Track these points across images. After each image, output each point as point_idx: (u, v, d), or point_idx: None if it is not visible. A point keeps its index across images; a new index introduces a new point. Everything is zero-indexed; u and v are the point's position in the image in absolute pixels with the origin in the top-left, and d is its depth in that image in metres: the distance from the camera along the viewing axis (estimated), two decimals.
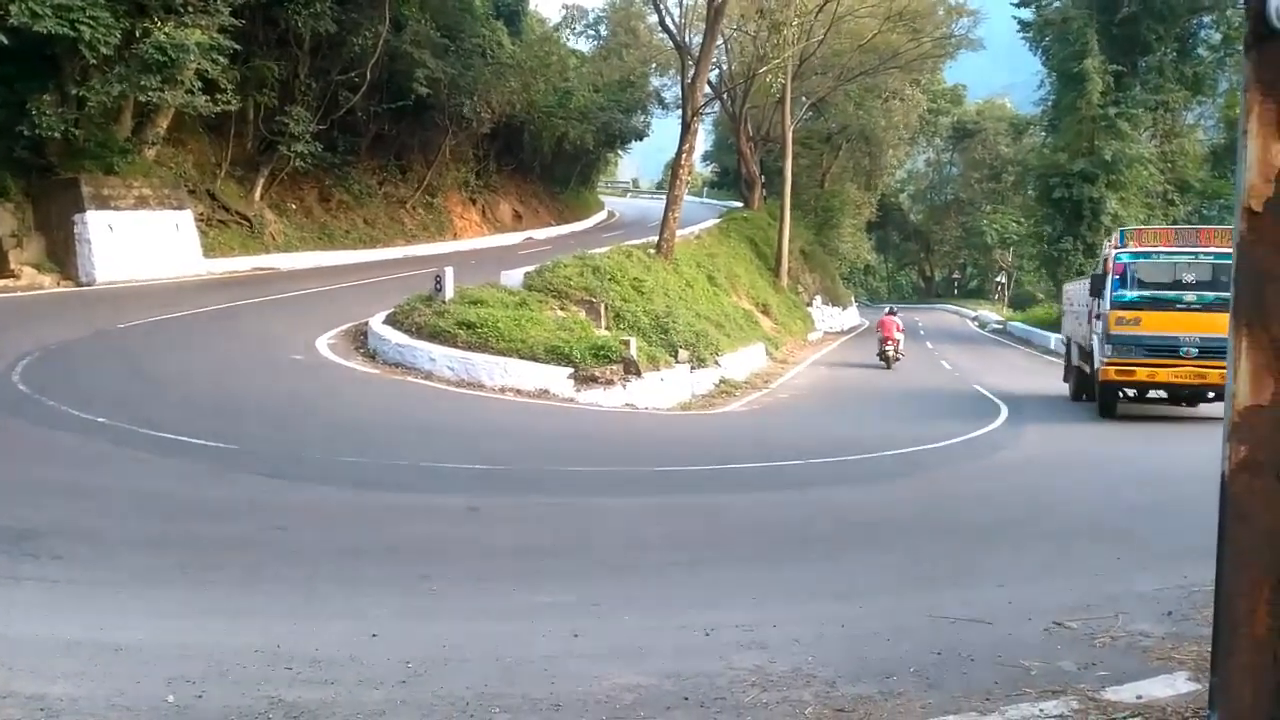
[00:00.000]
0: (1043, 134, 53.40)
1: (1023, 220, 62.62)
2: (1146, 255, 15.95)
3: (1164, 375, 15.33)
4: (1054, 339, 36.23)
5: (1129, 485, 10.42)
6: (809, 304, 45.12)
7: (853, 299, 60.10)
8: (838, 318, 49.68)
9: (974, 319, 61.16)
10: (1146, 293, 15.68)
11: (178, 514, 7.69)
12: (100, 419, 10.41)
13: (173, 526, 7.36)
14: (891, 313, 31.70)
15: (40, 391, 11.51)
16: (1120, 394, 16.57)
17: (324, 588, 5.99)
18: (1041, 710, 3.79)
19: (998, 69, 62.64)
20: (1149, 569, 6.69)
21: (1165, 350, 15.18)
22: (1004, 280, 78.01)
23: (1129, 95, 42.15)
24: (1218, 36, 43.20)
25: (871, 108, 52.28)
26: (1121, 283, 15.84)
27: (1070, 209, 41.47)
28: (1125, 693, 3.92)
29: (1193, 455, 12.52)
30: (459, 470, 9.82)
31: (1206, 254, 15.42)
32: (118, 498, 7.93)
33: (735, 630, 5.06)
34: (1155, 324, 15.28)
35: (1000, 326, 53.61)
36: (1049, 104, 48.34)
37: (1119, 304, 15.73)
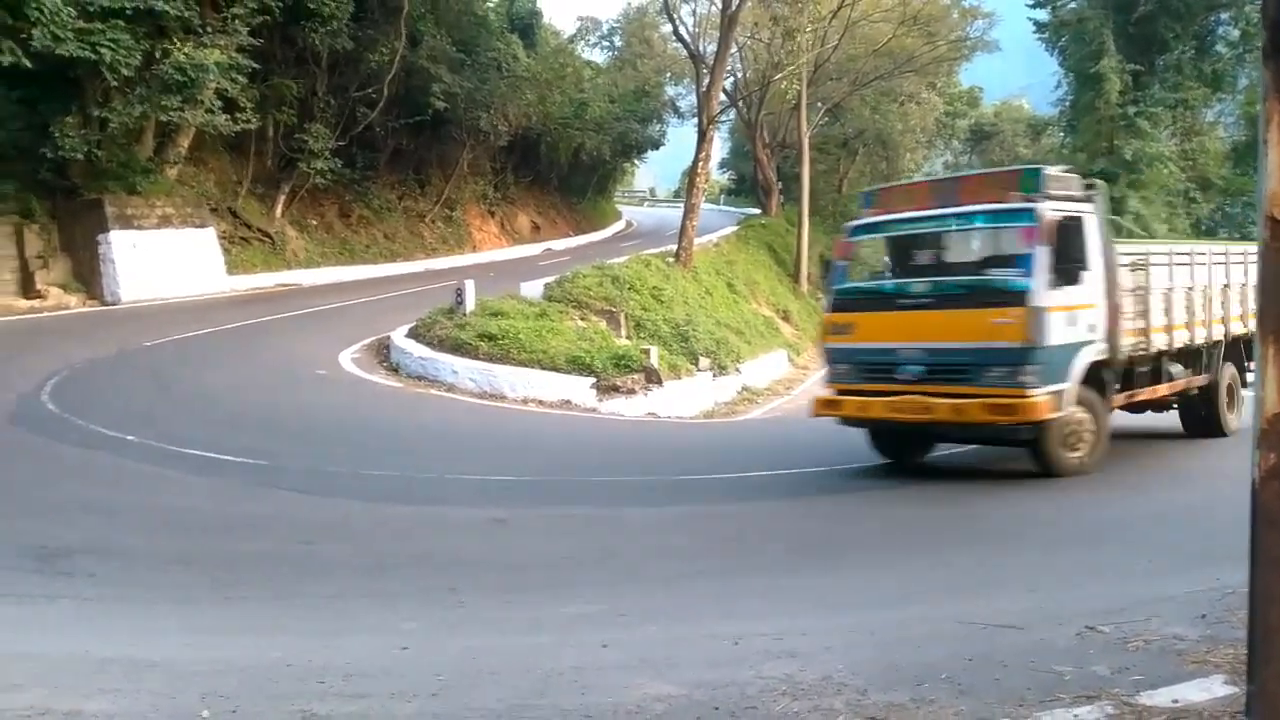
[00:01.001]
0: (1061, 134, 53.09)
1: None
2: (877, 227, 10.79)
3: (877, 408, 9.87)
4: None
5: (1158, 485, 10.32)
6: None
7: None
8: None
9: None
10: (870, 282, 10.73)
11: (207, 530, 7.75)
12: (129, 436, 10.52)
13: (203, 543, 7.43)
14: None
15: (70, 410, 11.65)
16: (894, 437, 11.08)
17: (353, 601, 6.03)
18: (1076, 716, 3.76)
19: (1014, 70, 62.30)
20: (1181, 571, 6.61)
21: (879, 369, 9.99)
22: None
23: (1148, 94, 41.86)
24: (1236, 33, 42.82)
25: (888, 112, 52.12)
26: (846, 269, 10.82)
27: None
28: (1160, 697, 3.89)
29: (1223, 452, 12.41)
30: (484, 482, 9.85)
31: (959, 216, 10.01)
32: (148, 515, 8.01)
33: (763, 639, 5.05)
34: (871, 330, 10.08)
35: None
36: (1067, 104, 48.07)
37: (836, 302, 10.74)
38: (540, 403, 15.85)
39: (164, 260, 24.50)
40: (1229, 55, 43.65)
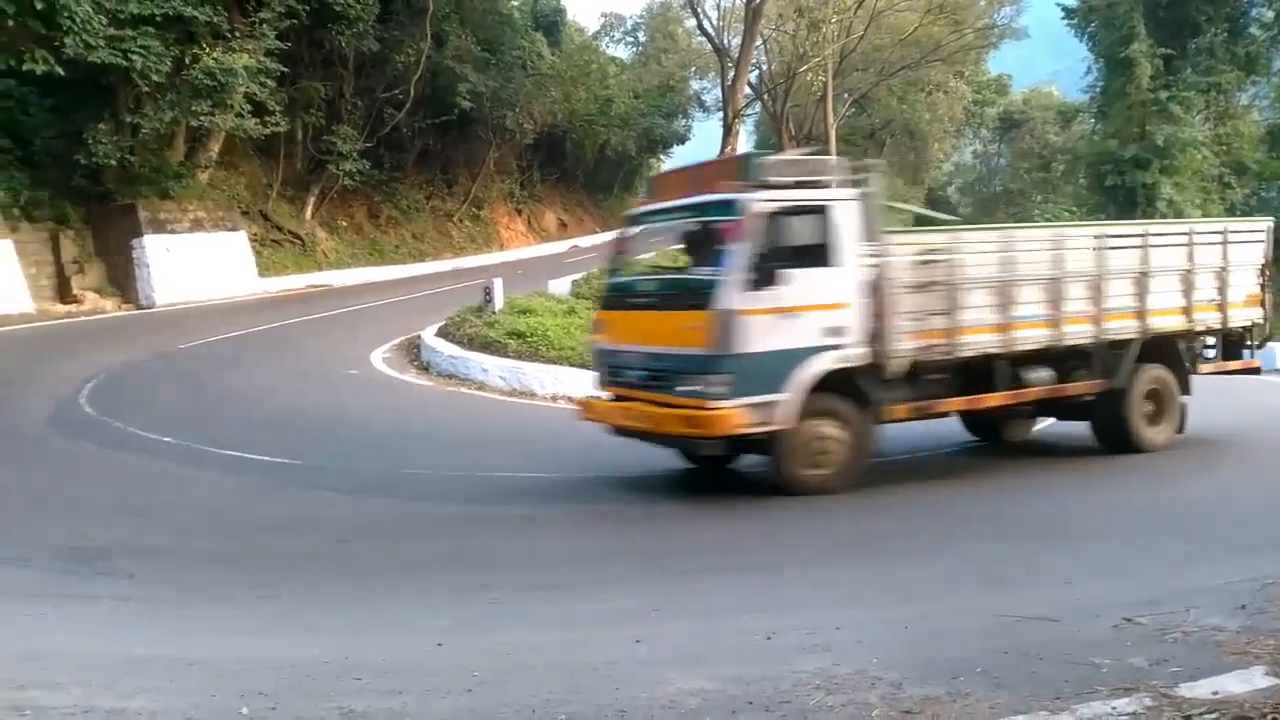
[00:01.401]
0: (1092, 121, 52.38)
1: (1075, 209, 61.36)
2: (639, 219, 9.91)
3: (617, 416, 9.09)
4: None
5: (1194, 476, 10.18)
6: None
7: None
8: None
9: None
10: (617, 278, 9.88)
11: (243, 530, 7.85)
12: (165, 438, 10.67)
13: (239, 542, 7.52)
14: None
15: (107, 413, 11.82)
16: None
17: (387, 599, 6.08)
18: (1114, 708, 3.72)
19: (1043, 57, 61.57)
20: (1218, 561, 6.54)
21: (615, 372, 9.29)
22: None
23: (1179, 78, 41.20)
24: (1270, 14, 42.04)
25: (915, 101, 51.75)
26: (619, 263, 10.08)
27: (1124, 196, 40.62)
28: (1200, 689, 3.84)
29: (1249, 439, 12.23)
30: (515, 479, 9.89)
31: (685, 209, 9.11)
32: (185, 515, 8.12)
33: (796, 633, 5.04)
34: (612, 329, 9.36)
35: None
36: (1097, 90, 47.38)
37: (603, 297, 10.09)
38: (570, 399, 15.86)
39: (197, 263, 24.81)
40: (1263, 37, 42.85)
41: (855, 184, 8.70)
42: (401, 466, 10.10)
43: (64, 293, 22.92)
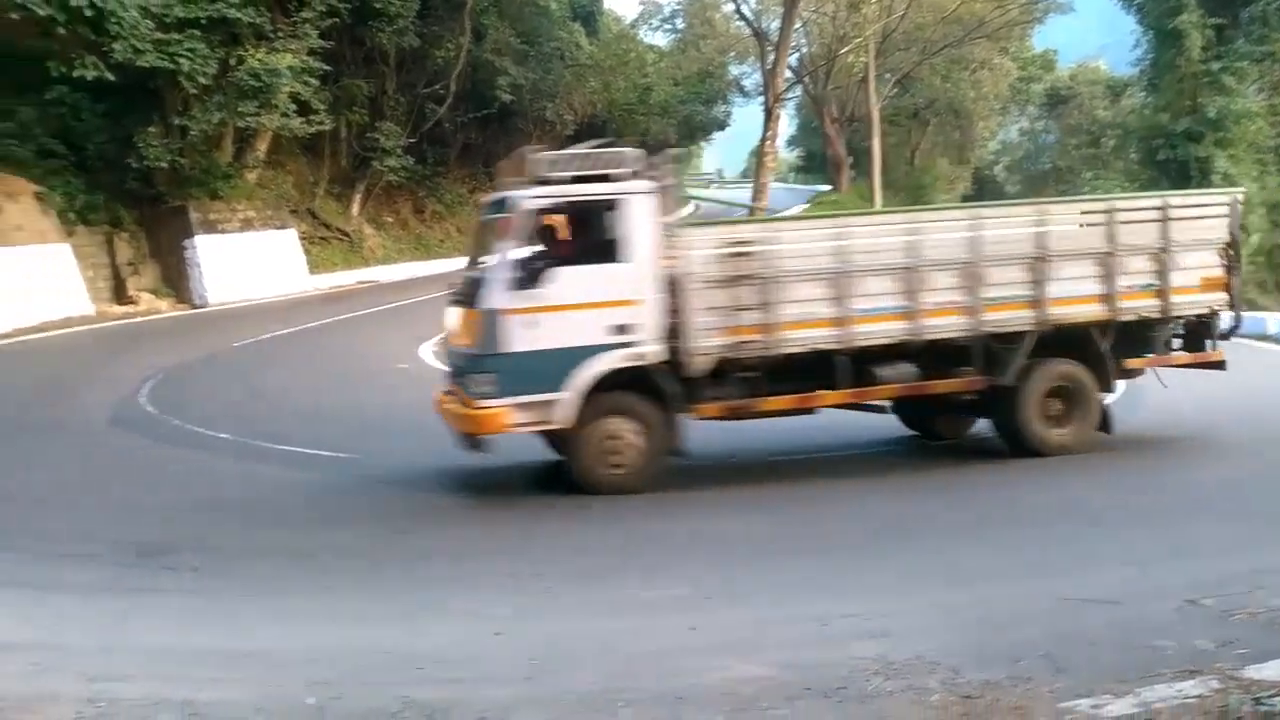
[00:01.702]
0: (1142, 94, 51.10)
1: (1127, 185, 60.14)
2: (484, 211, 9.65)
3: (441, 411, 8.92)
4: None
5: (1255, 457, 9.96)
6: None
7: None
8: None
9: None
10: (466, 272, 9.40)
11: (303, 523, 7.99)
12: (223, 435, 10.87)
13: (298, 535, 7.66)
14: None
15: (166, 411, 12.07)
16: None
17: (445, 589, 6.17)
18: (1179, 691, 3.67)
19: (1090, 31, 60.27)
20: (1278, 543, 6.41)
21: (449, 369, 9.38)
22: None
23: (1231, 48, 40.06)
24: None
25: (959, 80, 50.95)
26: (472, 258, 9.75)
27: (1176, 170, 39.64)
28: (1269, 670, 3.78)
29: None
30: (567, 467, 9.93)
31: (491, 203, 9.12)
32: (245, 509, 8.28)
33: (851, 619, 5.03)
34: (449, 325, 9.25)
35: None
36: (1146, 63, 46.18)
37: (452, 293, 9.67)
38: None
39: (248, 262, 25.22)
40: None
41: (649, 177, 8.33)
42: (453, 458, 10.18)
43: (120, 294, 23.42)
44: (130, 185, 23.88)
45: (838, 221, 9.30)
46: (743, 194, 47.41)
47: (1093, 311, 9.17)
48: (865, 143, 44.64)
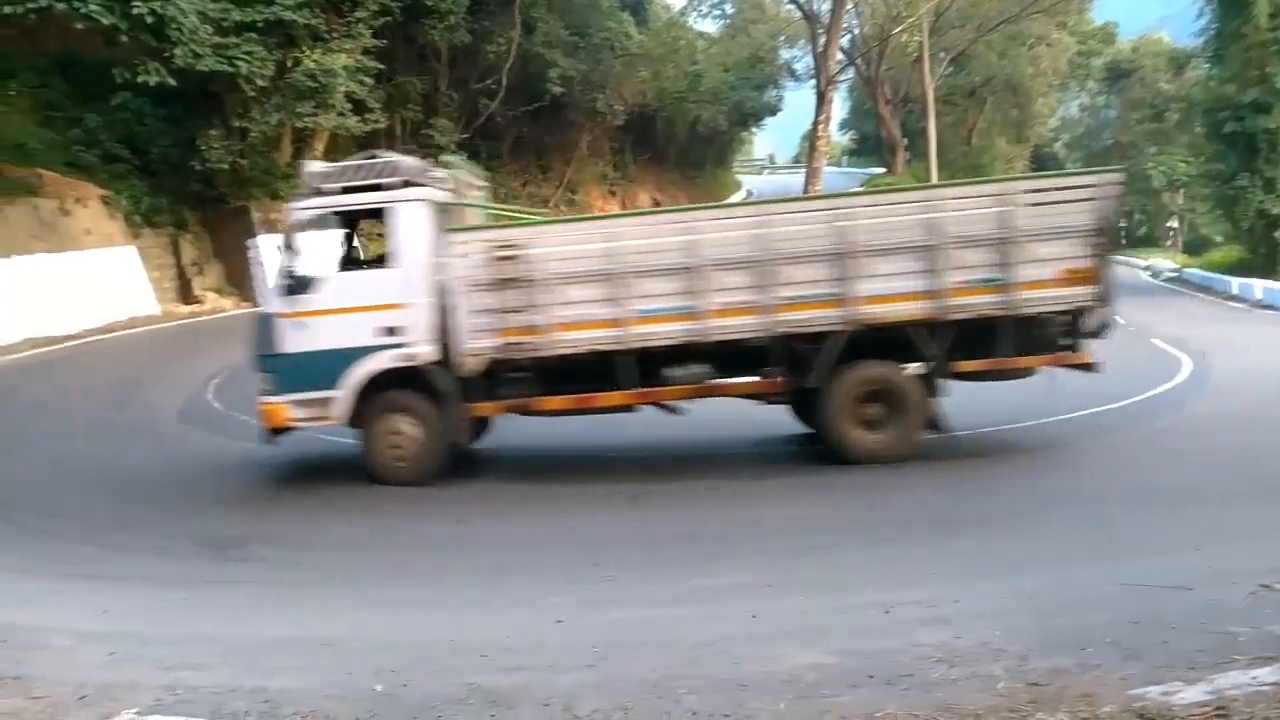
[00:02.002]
0: (1206, 66, 49.54)
1: (1192, 159, 58.39)
2: None
3: None
4: (1236, 283, 33.78)
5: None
6: None
7: None
8: None
9: (1145, 268, 57.58)
10: None
11: (365, 514, 8.14)
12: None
13: (361, 526, 7.81)
14: None
15: (233, 407, 12.34)
16: None
17: (506, 577, 6.24)
18: (1254, 678, 3.59)
19: (1150, 2, 58.76)
20: None
21: None
22: (1176, 225, 73.20)
23: None
24: None
25: (1016, 56, 49.85)
26: None
27: (1244, 143, 38.41)
28: None
29: None
30: (622, 457, 9.97)
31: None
32: (310, 502, 8.46)
33: (914, 607, 4.99)
34: None
35: (1175, 274, 50.28)
36: (1211, 33, 44.72)
37: None
38: None
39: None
40: None
41: (423, 185, 8.62)
42: (509, 446, 10.29)
43: (186, 294, 24.00)
44: (193, 187, 24.42)
45: (609, 222, 9.27)
46: (795, 179, 47.00)
47: (913, 310, 8.47)
48: (920, 124, 43.96)
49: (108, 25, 17.63)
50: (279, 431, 8.81)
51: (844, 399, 8.67)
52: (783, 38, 49.56)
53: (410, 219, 8.54)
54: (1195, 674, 3.73)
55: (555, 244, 8.58)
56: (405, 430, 8.65)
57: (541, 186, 39.81)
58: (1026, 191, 8.61)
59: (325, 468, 9.59)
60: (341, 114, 24.42)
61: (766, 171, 77.88)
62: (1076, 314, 8.59)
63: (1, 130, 21.83)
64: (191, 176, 23.81)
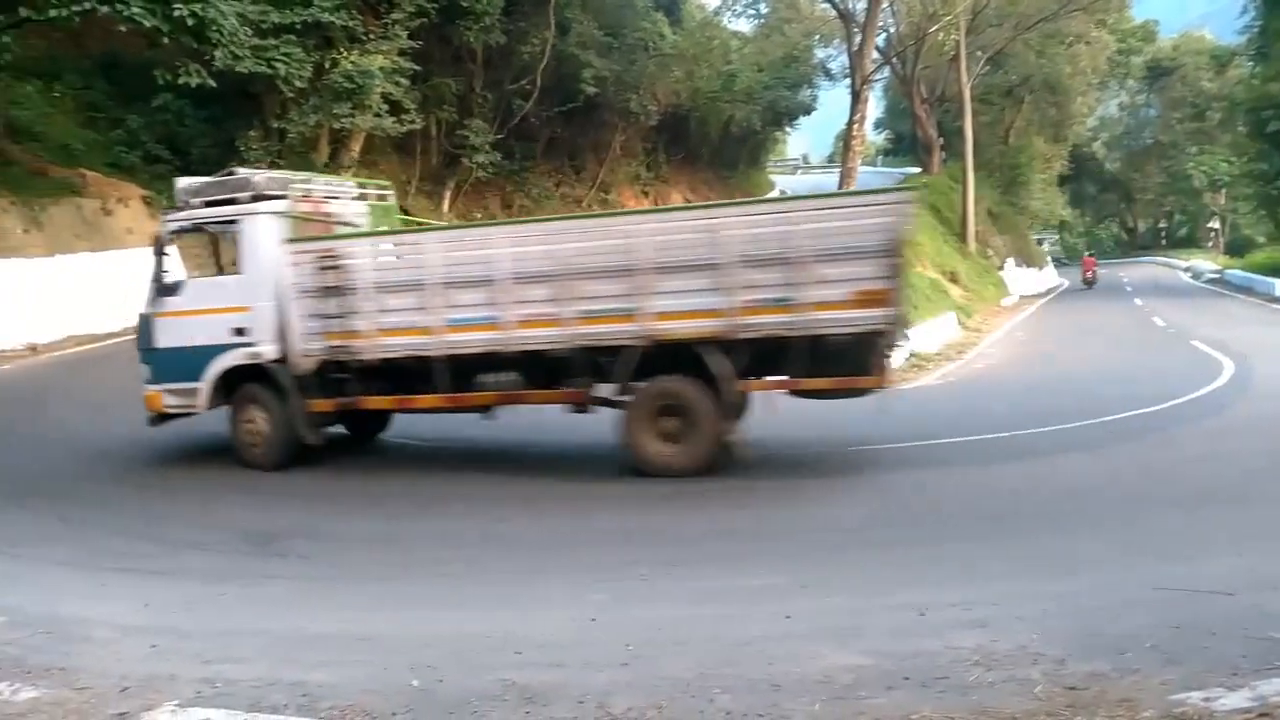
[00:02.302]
0: (1250, 64, 48.81)
1: (1234, 159, 57.52)
2: None
3: None
4: (1278, 285, 33.20)
5: None
6: (1000, 268, 43.15)
7: (1048, 259, 57.00)
8: (1034, 279, 47.26)
9: (1186, 270, 56.76)
10: None
11: (404, 511, 8.23)
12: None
13: (400, 523, 7.89)
14: (1090, 254, 49.05)
15: None
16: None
17: (542, 575, 6.27)
18: None
19: None
20: None
21: None
22: (1217, 226, 72.07)
23: None
24: None
25: (1055, 55, 49.22)
26: None
27: None
28: None
29: None
30: None
31: None
32: (347, 498, 8.56)
33: (951, 609, 4.96)
34: None
35: (1217, 276, 49.51)
36: (1254, 30, 44.07)
37: None
38: None
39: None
40: None
41: (270, 199, 9.39)
42: (545, 446, 10.35)
43: None
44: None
45: (420, 235, 9.85)
46: (830, 179, 46.76)
47: (701, 327, 8.42)
48: (956, 123, 43.55)
49: (150, 27, 17.91)
50: (160, 417, 9.94)
51: (640, 412, 8.76)
52: (817, 37, 49.29)
53: (255, 230, 9.39)
54: (1237, 680, 3.68)
55: (371, 255, 9.16)
56: (257, 420, 9.60)
57: (575, 187, 39.92)
58: (812, 210, 8.38)
59: (362, 464, 9.69)
60: (378, 115, 24.63)
61: (800, 171, 77.51)
62: (871, 336, 8.24)
63: (46, 131, 22.28)
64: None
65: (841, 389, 8.76)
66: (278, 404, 9.47)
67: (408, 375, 9.22)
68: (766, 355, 8.54)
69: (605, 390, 9.00)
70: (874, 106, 61.03)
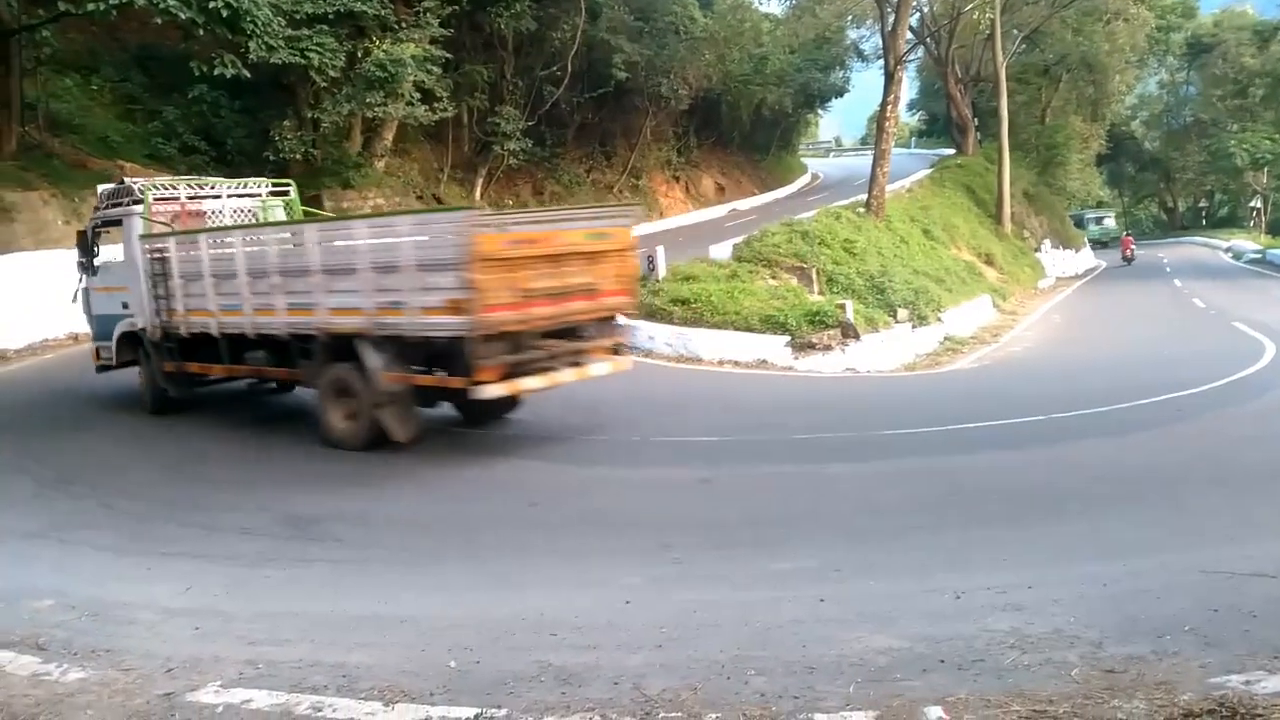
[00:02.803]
0: None
1: (1277, 137, 56.39)
2: None
3: None
4: None
5: None
6: (1037, 249, 42.63)
7: (1085, 240, 56.23)
8: (1070, 261, 46.65)
9: (1227, 250, 55.73)
10: None
11: (438, 496, 8.30)
12: None
13: (435, 507, 7.96)
14: (1128, 234, 51.56)
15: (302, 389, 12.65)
16: None
17: (576, 559, 6.32)
18: None
19: None
20: None
21: None
22: (1259, 205, 70.64)
23: None
24: None
25: (1092, 32, 48.32)
26: None
27: None
28: None
29: None
30: (687, 443, 10.02)
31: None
32: (384, 483, 8.64)
33: (987, 593, 4.93)
34: None
35: (1259, 256, 48.56)
36: None
37: None
38: (737, 363, 15.92)
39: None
40: None
41: (138, 202, 11.44)
42: (578, 432, 10.40)
43: None
44: (267, 177, 24.98)
45: (196, 234, 11.03)
46: (863, 161, 46.38)
47: (352, 324, 9.32)
48: (992, 103, 43.02)
49: (185, 19, 18.12)
50: (102, 368, 12.45)
51: (325, 393, 9.87)
52: (850, 17, 48.71)
53: (128, 227, 11.57)
54: (1278, 663, 3.64)
55: (176, 249, 10.97)
56: (142, 374, 11.98)
57: (606, 173, 39.91)
58: (409, 226, 9.36)
59: (399, 450, 9.78)
60: (410, 103, 24.74)
61: (833, 154, 76.96)
62: (463, 340, 8.58)
63: (85, 124, 22.61)
64: (266, 166, 24.33)
65: (441, 386, 9.41)
66: (146, 363, 11.77)
67: (212, 347, 10.97)
68: (413, 352, 9.30)
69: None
70: (908, 87, 60.47)
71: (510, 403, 10.42)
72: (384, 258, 8.99)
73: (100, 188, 12.52)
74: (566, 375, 9.36)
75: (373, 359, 9.19)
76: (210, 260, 10.57)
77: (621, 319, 10.31)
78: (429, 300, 8.66)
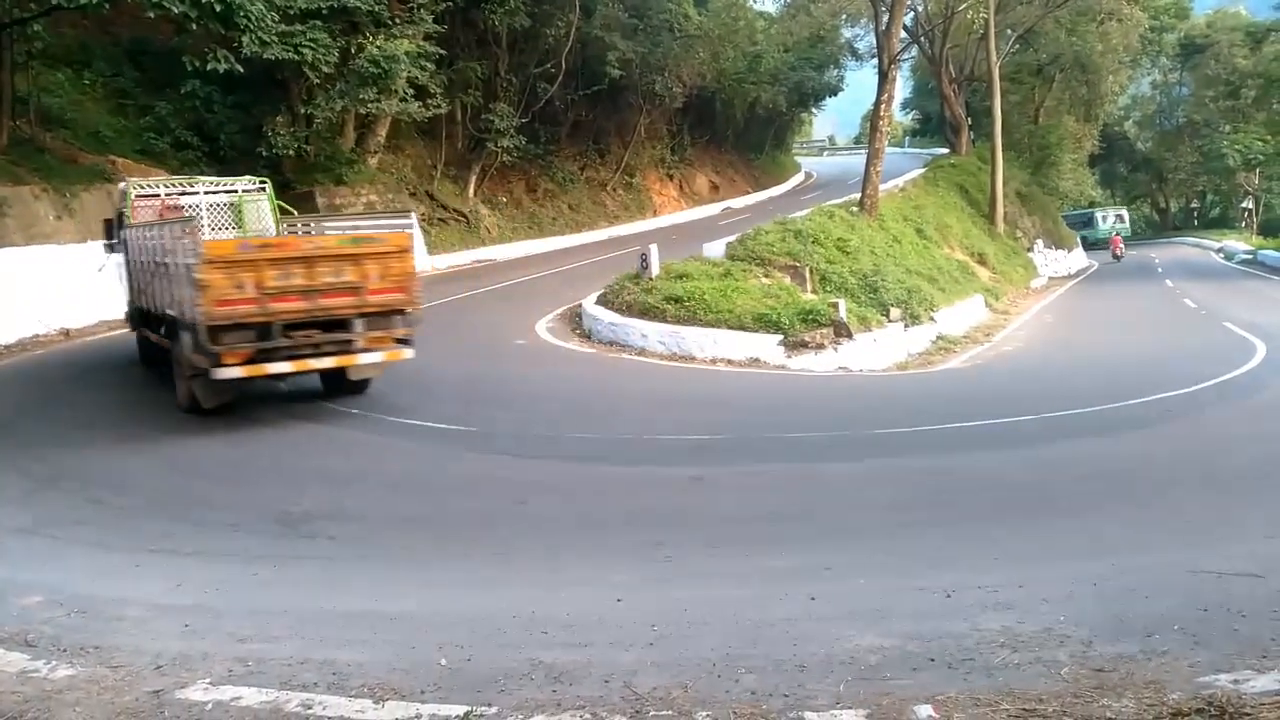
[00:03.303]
0: None
1: (1269, 138, 56.58)
2: None
3: None
4: None
5: None
6: (1029, 249, 42.72)
7: (1077, 240, 56.37)
8: (1063, 261, 46.75)
9: (1218, 250, 55.92)
10: None
11: (431, 493, 8.29)
12: (353, 410, 11.32)
13: (427, 505, 7.95)
14: (1117, 234, 51.66)
15: (297, 386, 12.62)
16: None
17: (567, 556, 6.31)
18: None
19: None
20: None
21: None
22: (1250, 206, 70.90)
23: None
24: None
25: (1085, 33, 48.42)
26: None
27: None
28: None
29: None
30: (680, 441, 10.02)
31: None
32: (376, 481, 8.63)
33: (977, 591, 4.95)
34: None
35: (1249, 257, 48.73)
36: None
37: None
38: (729, 362, 15.92)
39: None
40: None
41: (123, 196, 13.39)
42: (570, 430, 10.40)
43: None
44: (260, 173, 24.91)
45: (143, 228, 12.49)
46: (856, 160, 46.43)
47: (170, 311, 11.07)
48: (985, 103, 43.05)
49: (178, 14, 18.03)
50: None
51: (178, 364, 10.98)
52: (844, 16, 48.77)
53: (124, 215, 13.20)
54: (1267, 662, 3.66)
55: (138, 237, 12.42)
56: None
57: (599, 170, 39.93)
58: (175, 234, 10.74)
59: (389, 447, 9.77)
60: (404, 100, 24.71)
61: (826, 153, 77.05)
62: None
63: (77, 118, 22.51)
64: (259, 162, 24.29)
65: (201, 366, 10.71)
66: (140, 327, 13.47)
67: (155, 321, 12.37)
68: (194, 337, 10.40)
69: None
70: (901, 86, 60.52)
71: (357, 385, 11.78)
72: (173, 259, 10.61)
73: (119, 185, 14.74)
74: (324, 363, 10.54)
75: (183, 339, 10.53)
76: (140, 252, 12.49)
77: (410, 313, 11.03)
78: (192, 294, 9.93)
